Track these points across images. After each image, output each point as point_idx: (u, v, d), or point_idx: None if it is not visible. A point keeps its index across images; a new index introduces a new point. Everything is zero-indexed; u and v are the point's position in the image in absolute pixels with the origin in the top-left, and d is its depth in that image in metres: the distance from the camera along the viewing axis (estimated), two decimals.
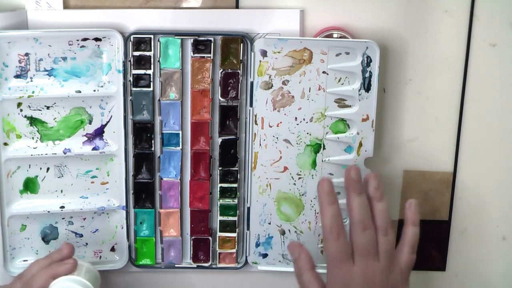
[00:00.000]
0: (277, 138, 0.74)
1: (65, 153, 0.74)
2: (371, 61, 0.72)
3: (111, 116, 0.74)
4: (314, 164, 0.75)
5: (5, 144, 0.73)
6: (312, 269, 0.68)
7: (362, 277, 0.66)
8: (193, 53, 0.73)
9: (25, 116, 0.73)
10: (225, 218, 0.77)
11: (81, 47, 0.72)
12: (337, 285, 0.66)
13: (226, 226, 0.77)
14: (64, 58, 0.72)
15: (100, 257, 0.78)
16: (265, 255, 0.78)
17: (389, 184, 0.79)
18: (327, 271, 0.67)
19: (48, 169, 0.75)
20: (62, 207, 0.75)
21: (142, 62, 0.73)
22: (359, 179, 0.68)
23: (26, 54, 0.71)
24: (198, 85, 0.74)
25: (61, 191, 0.76)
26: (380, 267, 0.67)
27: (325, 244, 0.67)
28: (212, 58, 0.73)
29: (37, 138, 0.74)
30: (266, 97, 0.74)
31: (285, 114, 0.74)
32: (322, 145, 0.75)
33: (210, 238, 0.78)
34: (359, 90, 0.73)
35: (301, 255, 0.69)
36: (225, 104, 0.75)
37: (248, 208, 0.77)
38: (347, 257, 0.66)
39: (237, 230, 0.78)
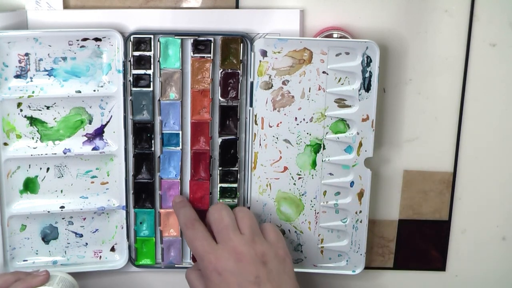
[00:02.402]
0: (277, 138, 0.75)
1: (65, 153, 0.74)
2: (371, 61, 0.72)
3: (111, 116, 0.74)
4: (314, 164, 0.75)
5: (5, 144, 0.73)
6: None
7: (227, 252, 0.66)
8: (193, 53, 0.73)
9: (25, 116, 0.73)
10: None
11: (81, 47, 0.72)
12: (208, 274, 0.66)
13: None
14: (64, 58, 0.72)
15: (100, 257, 0.78)
16: None
17: (389, 184, 0.79)
18: (200, 266, 0.68)
19: (48, 169, 0.75)
20: (62, 207, 0.75)
21: (142, 62, 0.73)
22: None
23: (26, 54, 0.71)
24: (198, 85, 0.74)
25: (61, 191, 0.76)
26: (244, 237, 0.68)
27: (186, 238, 0.70)
28: (212, 58, 0.73)
29: (37, 138, 0.74)
30: (266, 97, 0.74)
31: (285, 114, 0.74)
32: (322, 145, 0.75)
33: None
34: (359, 90, 0.73)
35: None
36: (225, 104, 0.75)
37: (248, 208, 0.77)
38: (208, 241, 0.68)
39: None
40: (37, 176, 0.75)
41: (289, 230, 0.77)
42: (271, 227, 0.71)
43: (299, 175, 0.76)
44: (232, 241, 0.67)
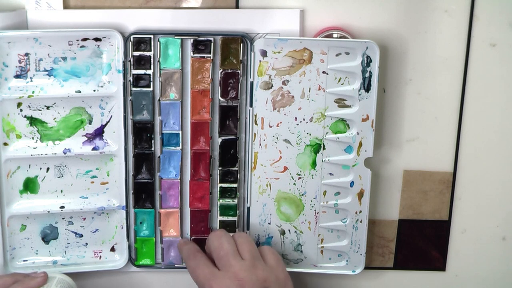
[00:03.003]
0: (277, 138, 0.75)
1: (65, 153, 0.74)
2: (371, 61, 0.72)
3: (111, 116, 0.74)
4: (314, 164, 0.75)
5: (5, 144, 0.73)
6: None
7: (228, 279, 0.66)
8: (193, 53, 0.73)
9: (25, 116, 0.73)
10: (225, 218, 0.77)
11: (81, 47, 0.72)
12: None
13: (226, 226, 0.77)
14: (64, 58, 0.72)
15: (100, 257, 0.78)
16: None
17: (389, 184, 0.79)
18: None
19: (48, 169, 0.75)
20: (62, 207, 0.75)
21: (142, 62, 0.73)
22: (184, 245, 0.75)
23: (26, 54, 0.71)
24: (198, 85, 0.74)
25: (61, 191, 0.76)
26: (244, 263, 0.68)
27: (189, 270, 0.70)
28: (212, 58, 0.73)
29: (37, 138, 0.74)
30: (266, 97, 0.74)
31: (285, 114, 0.74)
32: (322, 145, 0.75)
33: None
34: (359, 90, 0.73)
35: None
36: (225, 104, 0.75)
37: (248, 208, 0.77)
38: (210, 269, 0.68)
39: (237, 230, 0.77)
40: (37, 176, 0.75)
41: (289, 230, 0.77)
42: (270, 250, 0.72)
43: (299, 175, 0.76)
44: (233, 267, 0.67)
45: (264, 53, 0.72)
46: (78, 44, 0.72)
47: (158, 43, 0.73)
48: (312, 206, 0.76)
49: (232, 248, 0.69)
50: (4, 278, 0.70)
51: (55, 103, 0.73)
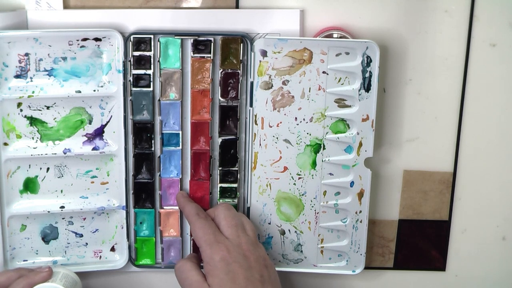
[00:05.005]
0: (277, 138, 0.75)
1: (65, 153, 0.74)
2: (371, 61, 0.72)
3: (111, 116, 0.74)
4: (314, 164, 0.75)
5: (5, 144, 0.73)
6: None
7: (237, 247, 0.69)
8: (193, 53, 0.73)
9: (25, 116, 0.73)
10: None
11: (81, 47, 0.72)
12: (216, 262, 0.67)
13: None
14: (64, 58, 0.72)
15: (100, 257, 0.78)
16: None
17: (389, 184, 0.79)
18: (203, 254, 0.69)
19: (48, 169, 0.75)
20: (62, 207, 0.75)
21: (142, 62, 0.73)
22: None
23: (26, 54, 0.71)
24: (198, 85, 0.74)
25: (61, 191, 0.76)
26: (250, 239, 0.71)
27: (194, 227, 0.71)
28: (212, 58, 0.73)
29: (37, 138, 0.74)
30: (266, 97, 0.74)
31: (285, 114, 0.74)
32: (322, 145, 0.75)
33: None
34: (359, 90, 0.73)
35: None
36: (225, 104, 0.75)
37: (248, 208, 0.77)
38: (218, 233, 0.70)
39: None
40: (37, 176, 0.75)
41: (289, 230, 0.77)
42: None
43: (299, 175, 0.76)
44: (240, 238, 0.70)
45: (264, 53, 0.72)
46: (78, 44, 0.72)
47: (158, 43, 0.73)
48: (312, 206, 0.76)
49: (240, 222, 0.72)
50: (9, 273, 0.71)
51: (55, 103, 0.73)
